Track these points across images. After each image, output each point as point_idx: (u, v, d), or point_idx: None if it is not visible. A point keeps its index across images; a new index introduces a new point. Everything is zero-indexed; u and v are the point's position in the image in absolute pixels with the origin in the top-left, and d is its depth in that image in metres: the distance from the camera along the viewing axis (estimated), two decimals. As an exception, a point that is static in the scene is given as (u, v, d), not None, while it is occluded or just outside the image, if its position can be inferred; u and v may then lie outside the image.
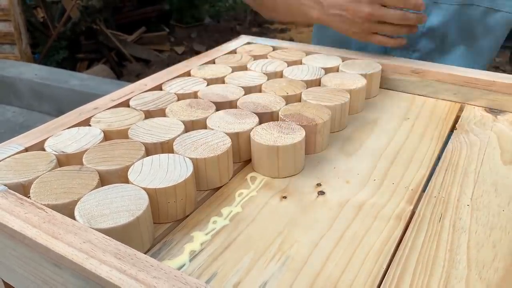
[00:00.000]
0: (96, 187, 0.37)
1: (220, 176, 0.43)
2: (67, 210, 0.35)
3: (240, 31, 4.51)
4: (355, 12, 0.64)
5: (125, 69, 3.57)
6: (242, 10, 5.01)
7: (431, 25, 0.74)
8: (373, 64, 0.63)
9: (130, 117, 0.49)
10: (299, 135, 0.45)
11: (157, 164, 0.40)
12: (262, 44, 0.74)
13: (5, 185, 0.37)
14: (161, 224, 0.39)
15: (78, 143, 0.44)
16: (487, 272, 0.33)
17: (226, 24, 4.81)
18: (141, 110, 0.51)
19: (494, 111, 0.57)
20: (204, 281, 0.33)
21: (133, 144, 0.43)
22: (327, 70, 0.62)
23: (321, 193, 0.43)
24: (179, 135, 0.45)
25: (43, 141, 0.45)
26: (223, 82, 0.60)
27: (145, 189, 0.37)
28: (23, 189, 0.38)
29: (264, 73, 0.61)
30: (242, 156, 0.47)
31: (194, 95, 0.56)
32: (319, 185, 0.44)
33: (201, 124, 0.48)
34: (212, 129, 0.46)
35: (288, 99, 0.54)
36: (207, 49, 0.76)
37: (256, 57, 0.68)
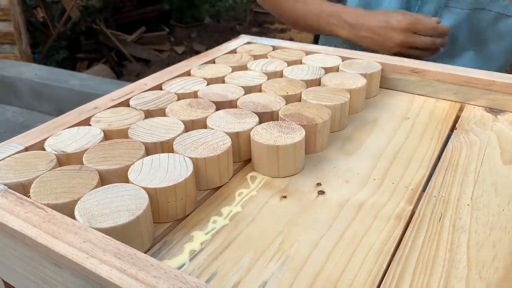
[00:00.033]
0: (96, 186, 0.37)
1: (220, 175, 0.43)
2: (67, 209, 0.35)
3: (240, 31, 4.51)
4: (387, 38, 0.64)
5: (125, 69, 3.57)
6: (242, 10, 5.01)
7: None
8: (373, 64, 0.63)
9: (130, 116, 0.49)
10: (299, 134, 0.45)
11: (157, 164, 0.40)
12: (262, 43, 0.74)
13: (5, 184, 0.37)
14: (161, 224, 0.39)
15: (78, 142, 0.44)
16: (487, 272, 0.33)
17: (226, 24, 4.81)
18: (141, 110, 0.51)
19: (494, 111, 0.57)
20: (204, 280, 0.33)
21: (133, 143, 0.43)
22: (327, 70, 0.62)
23: (321, 192, 0.43)
24: (179, 135, 0.45)
25: (43, 141, 0.45)
26: (223, 82, 0.60)
27: (145, 188, 0.37)
28: (23, 188, 0.38)
29: (264, 73, 0.61)
30: (242, 156, 0.47)
31: (194, 94, 0.56)
32: (319, 184, 0.44)
33: (201, 124, 0.48)
34: (212, 129, 0.46)
35: (288, 99, 0.54)
36: (207, 49, 0.76)
37: (256, 57, 0.68)
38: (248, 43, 0.75)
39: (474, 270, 0.33)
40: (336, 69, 0.63)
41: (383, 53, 0.67)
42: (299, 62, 0.66)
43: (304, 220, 0.39)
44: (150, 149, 0.44)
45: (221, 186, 0.44)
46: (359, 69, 0.61)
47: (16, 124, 2.43)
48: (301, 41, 0.83)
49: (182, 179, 0.38)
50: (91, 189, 0.37)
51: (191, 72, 0.63)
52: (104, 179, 0.40)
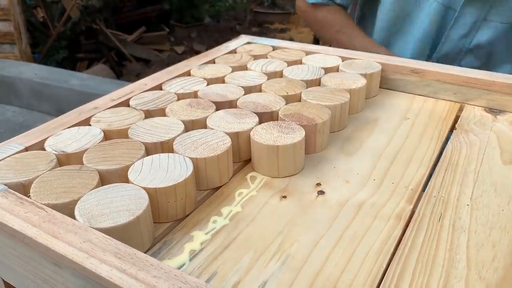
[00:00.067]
0: (96, 186, 0.37)
1: (220, 175, 0.43)
2: (67, 209, 0.35)
3: (240, 31, 4.51)
4: None
5: (125, 68, 3.57)
6: (242, 10, 5.01)
7: (478, 43, 0.74)
8: (373, 64, 0.63)
9: (130, 116, 0.49)
10: (299, 134, 0.45)
11: (157, 164, 0.40)
12: (262, 44, 0.74)
13: (5, 184, 0.37)
14: (161, 224, 0.39)
15: (78, 142, 0.44)
16: (487, 272, 0.33)
17: (226, 24, 4.81)
18: (141, 110, 0.51)
19: (494, 111, 0.57)
20: (204, 280, 0.33)
21: (133, 143, 0.43)
22: (327, 70, 0.62)
23: (321, 192, 0.43)
24: (179, 135, 0.45)
25: (43, 141, 0.45)
26: (223, 82, 0.60)
27: (145, 188, 0.37)
28: (23, 188, 0.38)
29: (264, 73, 0.61)
30: (242, 156, 0.47)
31: (194, 94, 0.56)
32: (319, 184, 0.44)
33: (201, 124, 0.48)
34: (212, 129, 0.46)
35: (288, 99, 0.54)
36: (207, 49, 0.77)
37: (256, 57, 0.68)
38: (248, 43, 0.75)
39: (474, 270, 0.33)
40: (336, 69, 0.63)
41: None
42: (299, 62, 0.66)
43: (304, 220, 0.39)
44: (150, 149, 0.44)
45: (221, 186, 0.44)
46: (359, 69, 0.61)
47: (16, 124, 2.43)
48: (301, 41, 0.83)
49: (182, 179, 0.38)
50: (91, 189, 0.37)
51: (191, 72, 0.63)
52: (104, 179, 0.40)
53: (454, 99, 0.60)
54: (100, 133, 0.46)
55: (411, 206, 0.40)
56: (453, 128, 0.54)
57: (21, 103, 2.61)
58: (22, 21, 3.05)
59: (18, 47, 3.05)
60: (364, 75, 0.60)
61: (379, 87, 0.64)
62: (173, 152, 0.42)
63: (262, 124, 0.47)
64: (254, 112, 0.49)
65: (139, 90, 0.56)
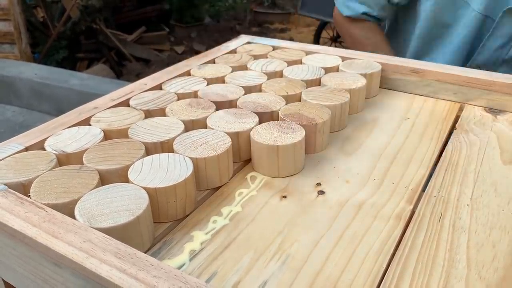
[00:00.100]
0: (96, 186, 0.37)
1: (220, 175, 0.43)
2: (67, 209, 0.35)
3: (240, 30, 4.51)
4: None
5: (125, 68, 3.57)
6: (242, 10, 5.02)
7: None
8: (373, 64, 0.63)
9: (130, 116, 0.49)
10: (299, 134, 0.45)
11: (157, 164, 0.40)
12: (262, 43, 0.74)
13: (5, 184, 0.37)
14: (161, 224, 0.39)
15: (78, 142, 0.44)
16: (487, 272, 0.33)
17: (226, 23, 4.81)
18: (141, 110, 0.51)
19: (494, 111, 0.57)
20: (204, 280, 0.33)
21: (133, 143, 0.43)
22: (327, 70, 0.62)
23: (321, 192, 0.43)
24: (179, 135, 0.45)
25: (43, 141, 0.45)
26: (223, 82, 0.60)
27: (145, 188, 0.37)
28: (23, 188, 0.38)
29: (264, 73, 0.61)
30: (242, 156, 0.47)
31: (194, 94, 0.56)
32: (319, 184, 0.44)
33: (201, 124, 0.48)
34: (212, 129, 0.46)
35: (288, 99, 0.54)
36: (207, 49, 0.77)
37: (256, 57, 0.68)
38: (248, 43, 0.75)
39: (474, 270, 0.33)
40: (336, 69, 0.63)
41: None
42: (299, 62, 0.66)
43: (304, 220, 0.39)
44: (150, 149, 0.44)
45: (221, 186, 0.44)
46: (359, 69, 0.61)
47: (16, 123, 2.43)
48: (301, 41, 0.83)
49: (182, 179, 0.38)
50: (91, 189, 0.37)
51: (191, 72, 0.63)
52: (104, 179, 0.40)
53: (454, 99, 0.60)
54: (100, 133, 0.46)
55: (411, 206, 0.40)
56: (453, 128, 0.54)
57: (21, 103, 2.61)
58: (22, 21, 3.05)
59: (18, 47, 3.05)
60: (364, 75, 0.60)
61: (379, 87, 0.64)
62: (173, 152, 0.42)
63: (262, 124, 0.47)
64: (254, 112, 0.49)
65: (139, 90, 0.56)
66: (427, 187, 0.43)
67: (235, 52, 0.71)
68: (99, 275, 0.28)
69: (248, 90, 0.56)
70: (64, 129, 0.47)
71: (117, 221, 0.33)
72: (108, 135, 0.46)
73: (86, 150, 0.43)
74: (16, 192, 0.36)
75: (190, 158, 0.41)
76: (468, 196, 0.41)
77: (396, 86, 0.64)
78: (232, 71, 0.62)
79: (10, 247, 0.34)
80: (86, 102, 0.53)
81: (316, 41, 3.71)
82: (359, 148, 0.50)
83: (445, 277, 0.33)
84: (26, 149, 0.43)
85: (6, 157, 0.42)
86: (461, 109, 0.59)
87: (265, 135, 0.45)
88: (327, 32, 3.79)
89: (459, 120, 0.56)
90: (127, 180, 0.38)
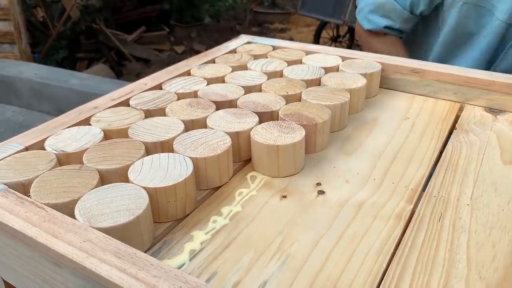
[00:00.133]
0: (96, 186, 0.37)
1: (220, 175, 0.43)
2: (67, 209, 0.35)
3: (240, 30, 4.52)
4: None
5: (125, 68, 3.57)
6: (242, 10, 5.02)
7: None
8: (373, 64, 0.63)
9: (130, 116, 0.49)
10: (299, 134, 0.45)
11: (157, 164, 0.40)
12: (262, 43, 0.74)
13: (5, 184, 0.37)
14: (161, 223, 0.39)
15: (78, 142, 0.44)
16: (487, 272, 0.33)
17: (226, 23, 4.81)
18: (141, 110, 0.51)
19: (494, 111, 0.57)
20: (204, 280, 0.33)
21: (133, 143, 0.43)
22: (327, 70, 0.62)
23: (321, 192, 0.43)
24: (179, 135, 0.45)
25: (43, 140, 0.45)
26: (223, 82, 0.60)
27: (145, 188, 0.37)
28: (23, 188, 0.38)
29: (264, 73, 0.61)
30: (242, 156, 0.47)
31: (194, 94, 0.56)
32: (319, 184, 0.44)
33: (201, 124, 0.48)
34: (212, 129, 0.46)
35: (288, 99, 0.54)
36: (207, 49, 0.77)
37: (256, 57, 0.68)
38: (248, 43, 0.75)
39: (474, 270, 0.33)
40: (336, 69, 0.63)
41: None
42: (299, 62, 0.66)
43: (304, 220, 0.39)
44: (150, 148, 0.44)
45: (221, 186, 0.44)
46: (359, 69, 0.61)
47: (16, 123, 2.43)
48: (301, 41, 0.83)
49: (182, 178, 0.38)
50: (91, 189, 0.37)
51: (191, 71, 0.63)
52: (104, 178, 0.40)
53: (454, 99, 0.60)
54: (100, 132, 0.46)
55: (411, 206, 0.40)
56: (453, 128, 0.54)
57: (21, 102, 2.61)
58: (22, 20, 3.05)
59: (18, 46, 3.05)
60: (364, 75, 0.60)
61: (379, 87, 0.64)
62: (173, 152, 0.42)
63: (262, 124, 0.47)
64: (254, 112, 0.49)
65: (139, 90, 0.56)
66: (427, 187, 0.43)
67: (235, 52, 0.71)
68: (99, 275, 0.28)
69: (248, 90, 0.56)
70: (64, 129, 0.47)
71: (117, 220, 0.33)
72: (108, 135, 0.46)
73: (86, 150, 0.43)
74: (16, 192, 0.36)
75: (190, 158, 0.41)
76: (468, 196, 0.41)
77: (396, 86, 0.64)
78: (232, 71, 0.62)
79: (10, 247, 0.34)
80: (86, 102, 0.53)
81: (316, 41, 3.71)
82: (359, 148, 0.50)
83: (445, 277, 0.33)
84: (26, 149, 0.43)
85: (6, 157, 0.42)
86: (461, 109, 0.59)
87: (265, 135, 0.45)
88: (327, 32, 3.80)
89: (459, 120, 0.56)
90: (127, 180, 0.38)
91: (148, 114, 0.51)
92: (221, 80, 0.60)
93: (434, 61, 0.87)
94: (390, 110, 0.59)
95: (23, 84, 2.55)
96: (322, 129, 0.48)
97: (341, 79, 0.59)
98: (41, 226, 0.32)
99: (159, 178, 0.38)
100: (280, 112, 0.50)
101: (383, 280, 0.32)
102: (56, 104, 2.46)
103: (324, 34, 3.78)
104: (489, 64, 0.83)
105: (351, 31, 3.65)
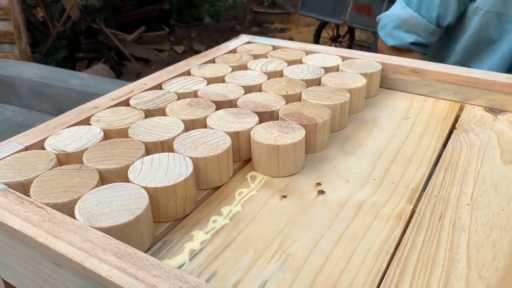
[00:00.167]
0: (96, 186, 0.37)
1: (220, 175, 0.43)
2: (67, 209, 0.35)
3: (240, 30, 4.52)
4: None
5: (125, 68, 3.57)
6: (242, 10, 5.02)
7: None
8: (373, 64, 0.63)
9: (130, 116, 0.49)
10: (299, 134, 0.45)
11: (157, 163, 0.40)
12: (262, 43, 0.74)
13: (5, 183, 0.37)
14: (161, 223, 0.39)
15: (78, 142, 0.44)
16: (487, 272, 0.33)
17: (226, 23, 4.81)
18: (141, 109, 0.51)
19: (494, 110, 0.57)
20: (204, 280, 0.33)
21: (133, 143, 0.43)
22: (327, 70, 0.62)
23: (321, 192, 0.43)
24: (179, 134, 0.45)
25: (43, 140, 0.45)
26: (223, 81, 0.60)
27: (145, 188, 0.37)
28: (23, 188, 0.38)
29: (264, 72, 0.61)
30: (242, 155, 0.47)
31: (194, 94, 0.56)
32: (319, 184, 0.44)
33: (201, 123, 0.48)
34: (212, 128, 0.46)
35: (288, 99, 0.54)
36: (207, 49, 0.77)
37: (256, 57, 0.68)
38: (248, 42, 0.75)
39: (474, 270, 0.33)
40: (336, 68, 0.63)
41: None
42: (299, 61, 0.66)
43: (304, 219, 0.39)
44: (150, 148, 0.44)
45: (221, 186, 0.44)
46: (359, 69, 0.61)
47: (15, 123, 2.43)
48: (301, 40, 0.83)
49: (182, 178, 0.38)
50: (91, 189, 0.37)
51: (191, 71, 0.63)
52: (104, 178, 0.40)
53: (454, 98, 0.60)
54: (100, 132, 0.46)
55: (411, 206, 0.40)
56: (453, 127, 0.54)
57: (21, 102, 2.61)
58: (22, 20, 3.05)
59: (18, 46, 3.05)
60: (364, 75, 0.60)
61: (379, 87, 0.64)
62: (173, 152, 0.42)
63: (262, 124, 0.47)
64: (254, 112, 0.49)
65: (139, 90, 0.56)
66: (427, 187, 0.43)
67: (235, 52, 0.71)
68: (99, 275, 0.28)
69: (248, 89, 0.56)
70: (64, 128, 0.47)
71: (117, 220, 0.33)
72: (108, 135, 0.46)
73: (86, 149, 0.43)
74: (16, 192, 0.36)
75: (190, 157, 0.41)
76: (468, 195, 0.41)
77: (396, 85, 0.64)
78: (232, 71, 0.62)
79: (10, 246, 0.34)
80: (86, 102, 0.53)
81: (316, 41, 3.71)
82: (359, 148, 0.50)
83: (445, 276, 0.33)
84: (26, 148, 0.43)
85: (6, 157, 0.42)
86: (461, 109, 0.59)
87: (265, 135, 0.45)
88: (327, 32, 3.80)
89: (459, 120, 0.56)
90: (127, 180, 0.38)
91: (148, 114, 0.51)
92: (221, 80, 0.60)
93: (453, 62, 0.86)
94: (390, 110, 0.59)
95: (23, 84, 2.55)
96: (322, 129, 0.48)
97: (341, 79, 0.59)
98: (41, 226, 0.32)
99: (159, 178, 0.38)
100: (280, 112, 0.50)
101: (383, 280, 0.32)
102: (56, 104, 2.46)
103: (324, 34, 3.78)
104: (509, 69, 0.82)
105: (351, 31, 3.65)
